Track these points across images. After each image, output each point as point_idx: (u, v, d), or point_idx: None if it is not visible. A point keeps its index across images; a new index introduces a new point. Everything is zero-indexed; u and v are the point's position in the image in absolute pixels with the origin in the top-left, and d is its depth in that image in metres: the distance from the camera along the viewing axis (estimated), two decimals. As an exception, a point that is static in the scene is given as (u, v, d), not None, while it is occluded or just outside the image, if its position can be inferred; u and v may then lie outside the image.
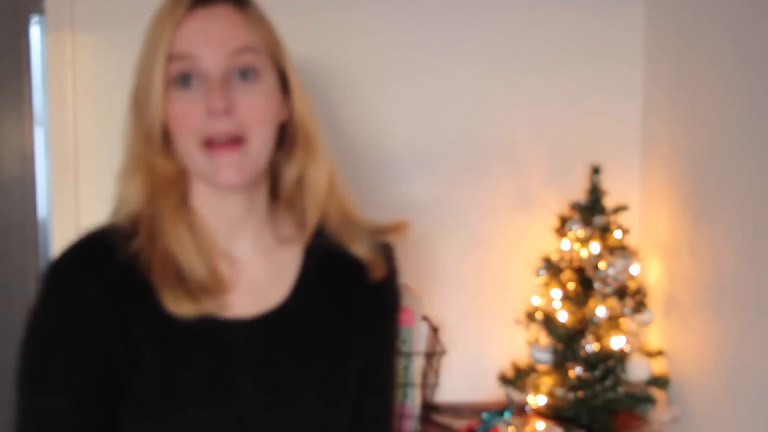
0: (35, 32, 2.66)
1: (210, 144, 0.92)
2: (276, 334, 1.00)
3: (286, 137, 1.01)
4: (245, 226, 1.01)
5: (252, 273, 1.01)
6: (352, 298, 1.05)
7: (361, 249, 1.05)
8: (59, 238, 1.68)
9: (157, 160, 0.96)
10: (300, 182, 1.02)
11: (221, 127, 0.91)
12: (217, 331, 0.96)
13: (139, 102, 0.95)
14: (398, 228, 1.09)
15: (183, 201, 0.99)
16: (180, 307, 0.93)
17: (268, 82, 0.95)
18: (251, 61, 0.94)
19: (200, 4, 0.93)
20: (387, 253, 1.10)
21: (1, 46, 2.60)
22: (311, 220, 1.03)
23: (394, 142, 1.74)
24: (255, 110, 0.93)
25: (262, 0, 1.00)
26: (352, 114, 1.73)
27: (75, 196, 1.67)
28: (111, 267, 0.94)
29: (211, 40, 0.92)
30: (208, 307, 0.95)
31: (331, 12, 1.70)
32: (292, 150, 1.01)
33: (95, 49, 1.66)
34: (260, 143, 0.94)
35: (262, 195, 1.02)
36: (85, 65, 1.67)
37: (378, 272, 1.05)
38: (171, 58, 0.91)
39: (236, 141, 0.92)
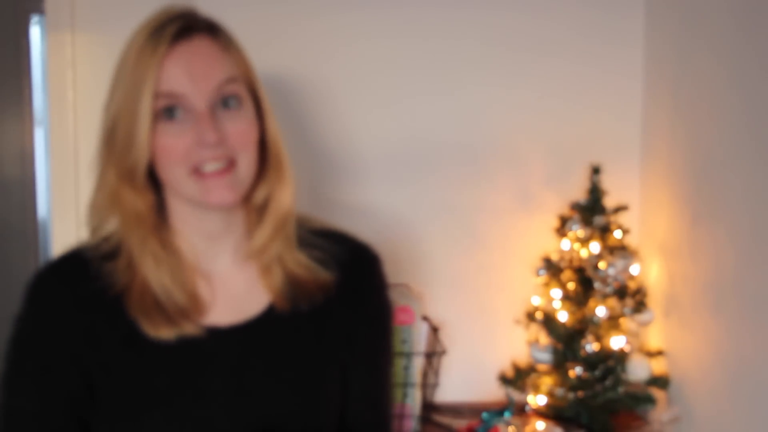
0: (35, 32, 2.67)
1: (199, 173, 0.95)
2: (251, 343, 1.02)
3: (264, 158, 1.03)
4: (225, 240, 1.04)
5: (231, 285, 1.05)
6: (327, 308, 1.06)
7: (297, 268, 1.05)
8: (59, 238, 1.68)
9: (130, 196, 0.98)
10: (266, 202, 1.04)
11: (212, 154, 0.95)
12: (190, 340, 0.98)
13: (120, 139, 0.97)
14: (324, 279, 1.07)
15: (158, 226, 1.01)
16: (159, 332, 0.97)
17: (247, 107, 0.99)
18: (233, 90, 0.97)
19: (180, 39, 0.95)
20: (370, 265, 1.12)
21: (1, 46, 2.60)
22: (264, 237, 1.04)
23: (394, 143, 1.74)
24: (241, 136, 0.97)
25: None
26: (352, 116, 1.73)
27: (75, 196, 1.67)
28: (85, 279, 0.99)
29: (196, 77, 0.94)
30: (187, 329, 0.98)
31: (332, 14, 1.71)
32: (265, 171, 1.03)
33: (95, 49, 1.66)
34: (247, 165, 0.98)
35: (239, 210, 1.04)
36: (85, 65, 1.67)
37: (315, 292, 1.05)
38: (156, 95, 0.93)
39: (227, 166, 0.96)
